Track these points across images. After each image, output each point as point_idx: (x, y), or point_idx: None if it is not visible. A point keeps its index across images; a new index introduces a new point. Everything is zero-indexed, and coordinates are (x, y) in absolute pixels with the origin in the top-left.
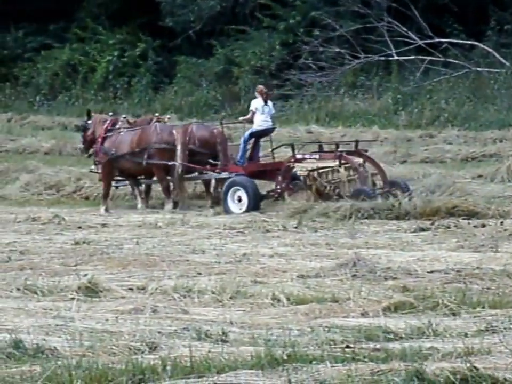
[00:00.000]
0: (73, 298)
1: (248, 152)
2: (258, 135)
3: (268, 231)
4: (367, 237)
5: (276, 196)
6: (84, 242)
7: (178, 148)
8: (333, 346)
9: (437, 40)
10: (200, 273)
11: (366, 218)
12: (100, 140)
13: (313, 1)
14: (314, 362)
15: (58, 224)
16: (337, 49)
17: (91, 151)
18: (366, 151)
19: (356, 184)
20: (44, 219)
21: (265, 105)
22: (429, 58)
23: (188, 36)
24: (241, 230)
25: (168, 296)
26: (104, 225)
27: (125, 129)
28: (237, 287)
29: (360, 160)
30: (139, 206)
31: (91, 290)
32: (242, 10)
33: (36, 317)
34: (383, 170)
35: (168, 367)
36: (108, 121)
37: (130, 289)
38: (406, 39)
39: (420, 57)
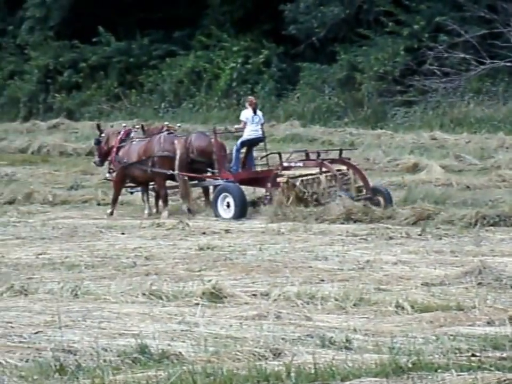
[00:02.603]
0: (197, 304)
1: (241, 160)
2: (249, 144)
3: (391, 238)
4: (493, 245)
5: (265, 202)
6: (207, 248)
7: (177, 157)
8: (458, 354)
9: None
10: (323, 280)
11: (492, 225)
12: (114, 150)
13: (438, 6)
14: (439, 370)
15: (182, 229)
16: (462, 55)
17: (107, 162)
18: (349, 159)
19: (336, 191)
20: (168, 225)
21: (255, 115)
22: None
23: (311, 43)
24: (364, 237)
25: (291, 303)
26: (227, 231)
27: (137, 139)
28: (360, 294)
29: (344, 167)
30: (146, 212)
31: (215, 296)
32: (366, 17)
33: (161, 322)
34: (366, 178)
35: (292, 374)
36: (121, 132)
37: (254, 295)
38: None
39: None
